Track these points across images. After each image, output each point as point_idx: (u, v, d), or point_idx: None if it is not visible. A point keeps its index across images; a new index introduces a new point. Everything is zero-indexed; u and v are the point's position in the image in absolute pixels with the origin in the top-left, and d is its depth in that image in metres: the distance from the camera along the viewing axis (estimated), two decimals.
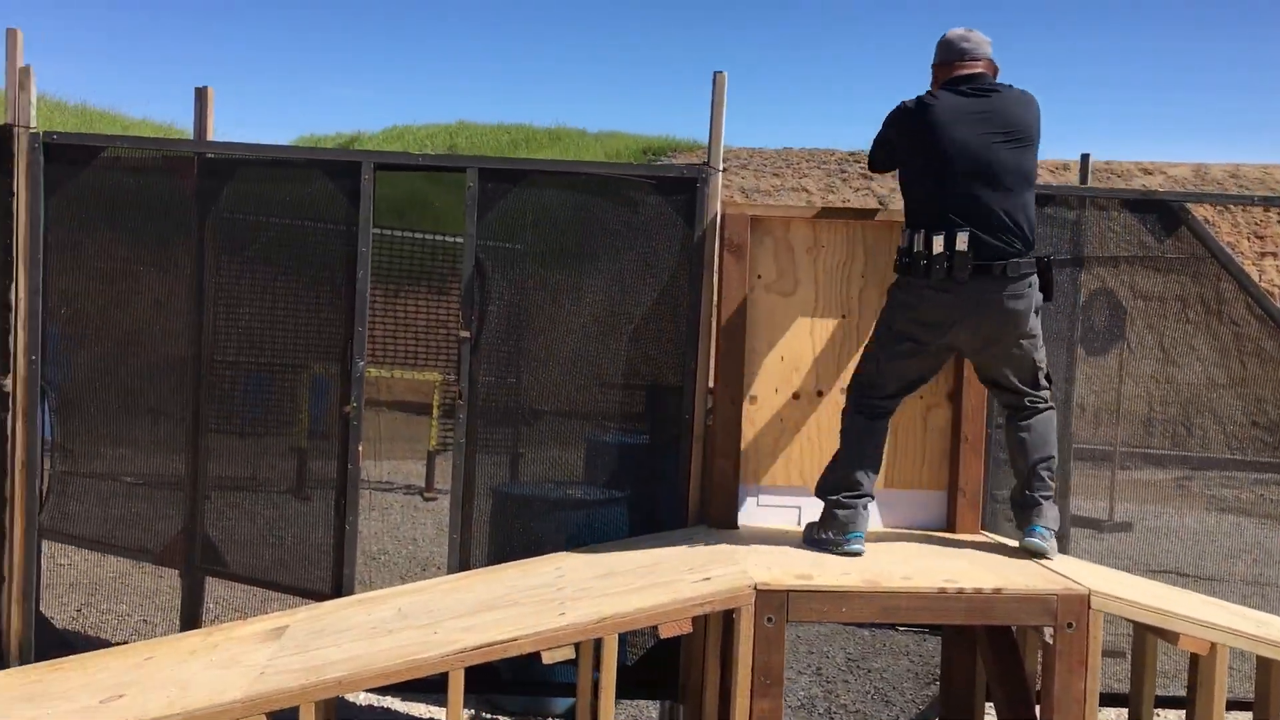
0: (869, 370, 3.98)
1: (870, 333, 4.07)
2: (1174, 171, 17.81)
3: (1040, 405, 3.93)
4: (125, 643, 5.00)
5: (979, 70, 3.90)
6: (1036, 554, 3.79)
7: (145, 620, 5.45)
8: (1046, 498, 3.88)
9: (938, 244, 3.71)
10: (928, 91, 3.96)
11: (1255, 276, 16.09)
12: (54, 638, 4.56)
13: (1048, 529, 3.83)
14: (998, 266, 3.73)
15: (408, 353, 9.17)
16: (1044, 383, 3.95)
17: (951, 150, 3.77)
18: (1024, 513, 3.91)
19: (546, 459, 4.56)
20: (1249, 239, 16.63)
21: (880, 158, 4.15)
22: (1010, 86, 3.92)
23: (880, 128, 4.04)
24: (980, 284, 3.73)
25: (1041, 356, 3.93)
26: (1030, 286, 3.80)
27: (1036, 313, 3.85)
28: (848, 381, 4.12)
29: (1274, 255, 16.49)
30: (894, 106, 3.96)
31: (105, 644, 5.08)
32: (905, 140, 3.93)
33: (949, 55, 3.95)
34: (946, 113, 3.81)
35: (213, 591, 5.17)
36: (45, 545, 4.55)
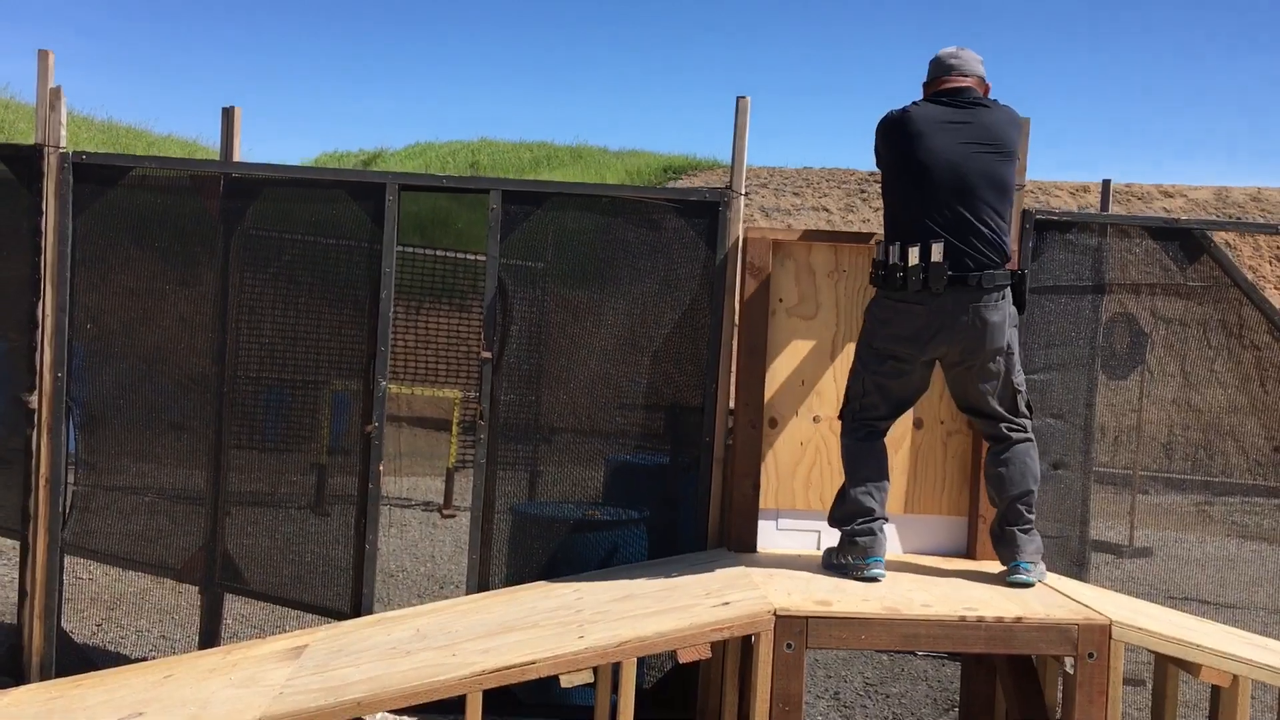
0: (857, 391, 3.97)
1: (855, 353, 4.05)
2: (1195, 194, 17.75)
3: (1017, 435, 3.89)
4: (145, 659, 5.04)
5: (966, 85, 3.91)
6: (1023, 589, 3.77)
7: (164, 636, 5.48)
8: (1025, 531, 3.85)
9: (913, 255, 3.72)
10: (913, 102, 3.97)
11: (1277, 301, 16.02)
12: (75, 653, 4.59)
13: (1030, 563, 3.81)
14: (973, 277, 3.72)
15: (428, 369, 9.21)
16: (1023, 410, 3.92)
17: (928, 159, 3.77)
18: (1004, 548, 3.89)
19: (567, 479, 4.57)
20: (1270, 262, 16.54)
21: (877, 160, 4.15)
22: (997, 102, 3.93)
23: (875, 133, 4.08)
24: (956, 295, 3.73)
25: (1020, 380, 3.91)
26: (1004, 299, 3.79)
27: (1014, 327, 3.84)
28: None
29: None
30: (879, 122, 3.98)
31: (125, 660, 5.12)
32: (888, 150, 3.92)
33: (938, 71, 3.97)
34: (925, 122, 3.83)
35: (231, 608, 5.20)
36: (67, 560, 4.58)
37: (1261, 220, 16.92)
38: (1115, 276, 4.70)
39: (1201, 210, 17.25)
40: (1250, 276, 15.73)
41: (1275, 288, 16.15)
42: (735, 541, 4.27)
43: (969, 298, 3.73)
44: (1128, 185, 17.70)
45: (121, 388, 4.69)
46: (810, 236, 4.39)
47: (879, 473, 3.93)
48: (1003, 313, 3.78)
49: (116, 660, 5.13)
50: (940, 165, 3.76)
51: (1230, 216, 17.08)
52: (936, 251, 3.70)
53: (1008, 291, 3.80)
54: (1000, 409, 3.87)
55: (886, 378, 3.89)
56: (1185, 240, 4.62)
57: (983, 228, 3.76)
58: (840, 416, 4.05)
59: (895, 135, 3.88)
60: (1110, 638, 3.41)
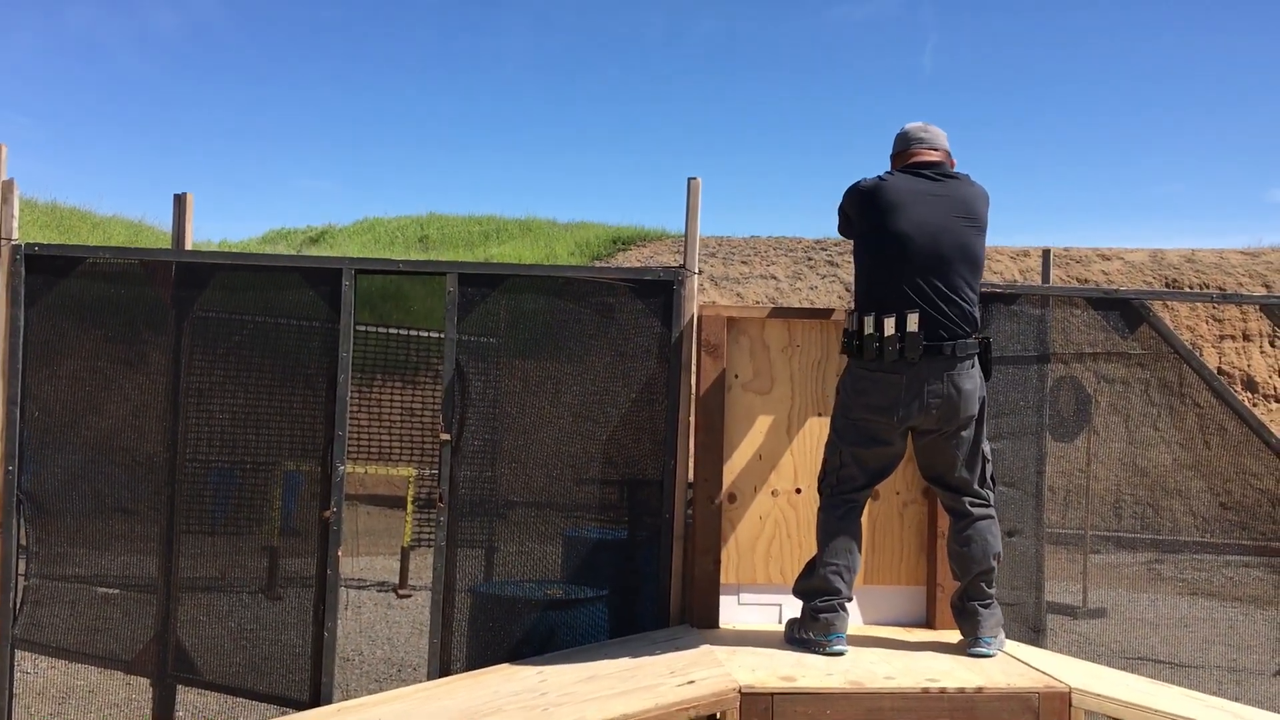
0: (834, 464, 3.97)
1: (830, 425, 4.07)
2: (1131, 257, 18.21)
3: (979, 511, 3.93)
4: None
5: (937, 159, 4.00)
6: None
7: None
8: (986, 606, 3.89)
9: (889, 325, 3.75)
10: (886, 172, 4.02)
11: (1214, 359, 16.39)
12: None
13: (991, 637, 3.86)
14: (947, 346, 3.78)
15: (380, 448, 9.15)
16: (989, 482, 3.98)
17: (909, 229, 3.82)
18: (965, 622, 3.92)
19: (527, 556, 4.56)
20: (1207, 322, 16.97)
21: (842, 226, 4.19)
22: (968, 177, 4.01)
23: (841, 203, 4.09)
24: (930, 363, 3.78)
25: (988, 450, 3.97)
26: (974, 367, 3.87)
27: (982, 395, 3.90)
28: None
29: (1232, 338, 16.82)
30: (850, 185, 4.02)
31: None
32: (861, 219, 3.95)
33: (906, 144, 4.04)
34: (904, 193, 3.88)
35: (184, 698, 5.08)
36: (16, 655, 4.47)
37: (1197, 283, 17.39)
38: (1059, 343, 4.82)
39: (1138, 272, 17.69)
40: (1188, 336, 16.11)
41: (1213, 346, 16.57)
42: (698, 618, 4.27)
43: (944, 366, 3.79)
44: (1066, 249, 18.12)
45: (73, 477, 4.62)
46: (772, 314, 4.45)
47: (851, 555, 3.92)
48: (974, 380, 3.86)
49: None
50: (918, 236, 3.81)
51: (1166, 278, 17.54)
52: (912, 321, 3.75)
53: (977, 360, 3.88)
54: (967, 479, 3.92)
55: (864, 447, 3.91)
56: (1125, 310, 4.77)
57: (957, 299, 3.83)
58: (819, 488, 4.05)
59: (870, 204, 3.91)
60: (1070, 705, 3.46)
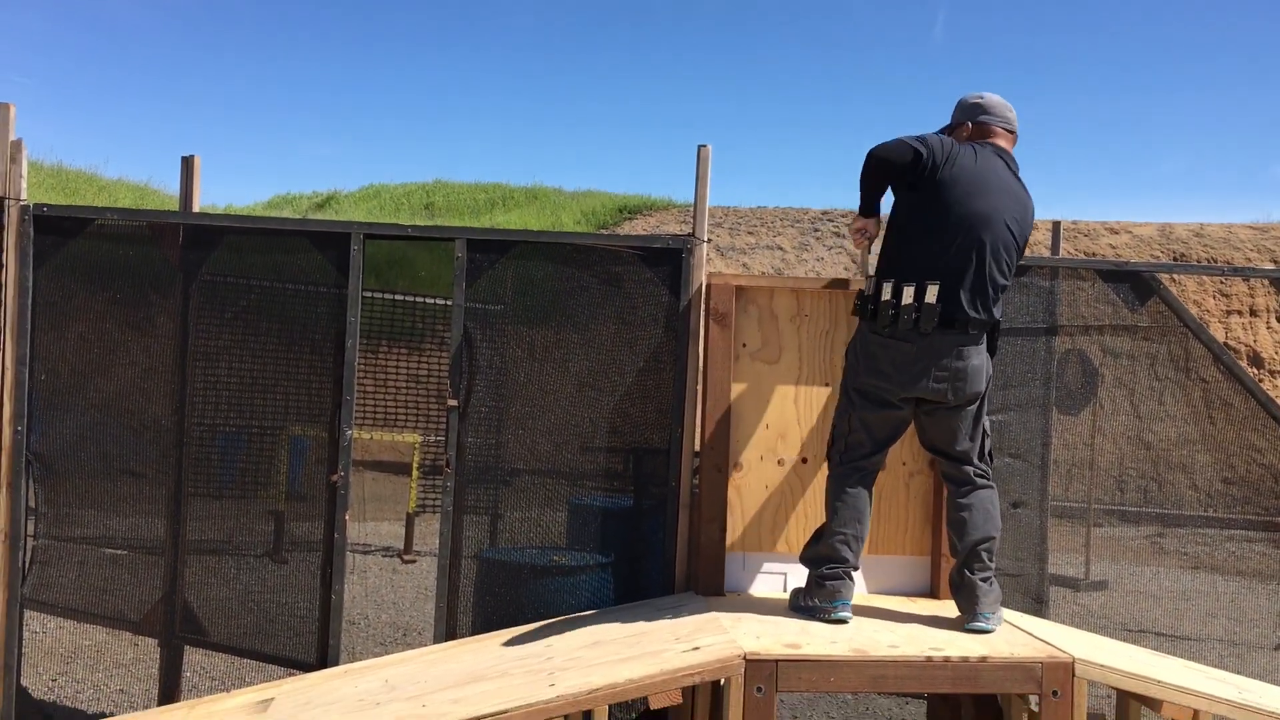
0: (843, 430, 3.96)
1: (840, 391, 4.06)
2: (1140, 231, 18.13)
3: (981, 481, 3.93)
4: (103, 714, 4.95)
5: (1011, 147, 3.93)
6: None
7: (123, 690, 5.39)
8: (986, 580, 3.84)
9: (908, 294, 3.69)
10: (975, 142, 3.84)
11: (1221, 334, 16.35)
12: (32, 708, 4.50)
13: (990, 612, 3.81)
14: (960, 322, 3.76)
15: (386, 413, 9.16)
16: (988, 456, 3.97)
17: (988, 211, 3.72)
18: (964, 598, 3.87)
19: (534, 525, 4.58)
20: (1214, 297, 16.92)
21: (903, 164, 3.70)
22: (1026, 187, 3.93)
23: (918, 135, 3.74)
24: (943, 338, 3.75)
25: (988, 425, 3.96)
26: (983, 343, 3.86)
27: (989, 374, 3.89)
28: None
29: (1239, 313, 16.77)
30: (941, 131, 3.85)
31: (83, 715, 5.03)
32: (936, 174, 3.69)
33: (990, 119, 3.90)
34: (992, 174, 3.76)
35: (190, 660, 5.12)
36: (26, 615, 4.51)
37: (1205, 257, 17.32)
38: (1067, 316, 4.81)
39: (1146, 246, 17.62)
40: (1195, 310, 16.06)
41: (1219, 321, 16.53)
42: (703, 585, 4.29)
43: (955, 341, 3.77)
44: (1074, 222, 18.05)
45: (81, 438, 4.64)
46: (776, 282, 4.44)
47: (860, 525, 3.91)
48: (983, 357, 3.85)
49: (74, 716, 5.04)
50: (979, 220, 3.72)
51: (1174, 253, 17.47)
52: (931, 293, 3.69)
53: (984, 337, 3.86)
54: (969, 449, 3.91)
55: (870, 412, 3.89)
56: (1135, 282, 4.75)
57: (989, 289, 3.78)
58: (827, 455, 4.04)
59: (957, 169, 3.69)
60: (1074, 675, 3.47)
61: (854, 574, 3.93)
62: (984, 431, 3.94)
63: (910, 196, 3.81)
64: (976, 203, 3.72)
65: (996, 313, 3.87)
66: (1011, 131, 3.94)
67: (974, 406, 3.89)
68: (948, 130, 4.01)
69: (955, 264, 3.74)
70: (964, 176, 3.72)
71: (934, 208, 3.73)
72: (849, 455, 3.94)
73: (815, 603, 3.90)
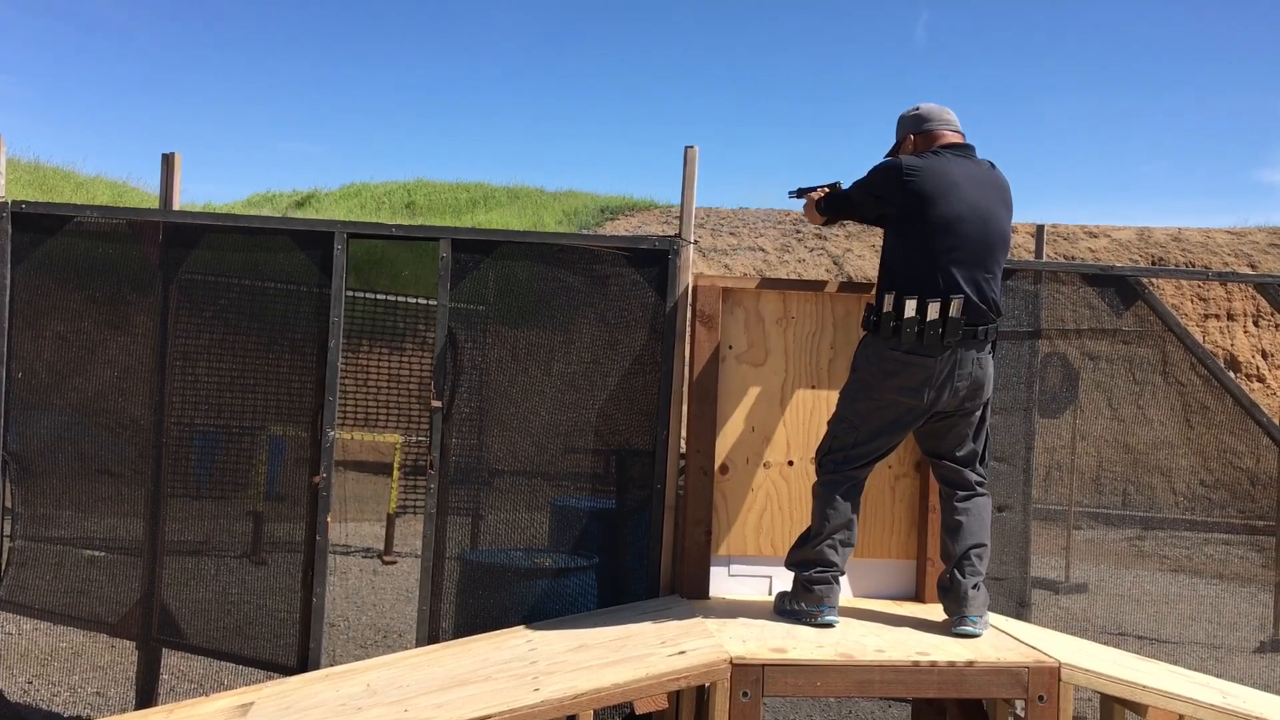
0: (846, 440, 3.89)
1: (842, 402, 3.99)
2: (1119, 235, 18.23)
3: (980, 488, 3.94)
4: (80, 718, 4.89)
5: (966, 141, 3.92)
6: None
7: (99, 694, 5.33)
8: (975, 585, 3.83)
9: (932, 310, 3.67)
10: (930, 151, 3.87)
11: (1199, 337, 16.47)
12: (7, 711, 4.44)
13: (978, 616, 3.80)
14: (981, 331, 3.76)
15: (368, 414, 9.10)
16: (988, 461, 3.97)
17: (965, 211, 3.72)
18: (952, 600, 3.85)
19: (517, 527, 4.55)
20: (1192, 301, 17.04)
21: (844, 210, 4.07)
22: (993, 164, 3.93)
23: (863, 183, 3.92)
24: (966, 348, 3.75)
25: (988, 431, 3.97)
26: (994, 350, 3.87)
27: (995, 376, 3.91)
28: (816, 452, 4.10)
29: (1216, 317, 16.89)
30: (883, 164, 3.87)
31: (58, 718, 4.96)
32: (908, 200, 3.76)
33: (933, 124, 3.92)
34: (956, 174, 3.77)
35: (168, 663, 5.06)
36: (1, 617, 4.45)
37: (1183, 261, 17.43)
38: (1049, 320, 4.82)
39: (1125, 250, 17.72)
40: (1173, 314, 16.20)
41: (1197, 325, 16.63)
42: (688, 588, 4.27)
43: (976, 350, 3.77)
44: (1054, 226, 18.13)
45: (58, 438, 4.58)
46: (765, 284, 4.41)
47: (850, 531, 3.88)
48: (993, 363, 3.87)
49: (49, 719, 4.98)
50: (972, 220, 3.72)
51: (1152, 256, 17.58)
52: (955, 307, 3.67)
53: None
54: (974, 451, 3.92)
55: (885, 423, 3.84)
56: (1120, 286, 4.76)
57: (995, 284, 3.80)
58: (820, 461, 3.99)
59: (919, 183, 3.73)
60: (1059, 680, 3.47)
61: (841, 579, 3.91)
62: (987, 435, 3.95)
63: (898, 219, 3.82)
64: (959, 205, 3.72)
65: (1002, 303, 3.87)
66: (958, 130, 3.94)
67: (983, 414, 3.91)
68: (894, 150, 4.03)
69: (964, 269, 3.73)
70: (941, 184, 3.73)
71: (917, 221, 3.74)
72: (846, 465, 3.90)
73: (801, 606, 3.89)
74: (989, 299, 3.79)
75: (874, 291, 4.01)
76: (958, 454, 3.92)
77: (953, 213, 3.71)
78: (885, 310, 3.75)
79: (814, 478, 4.03)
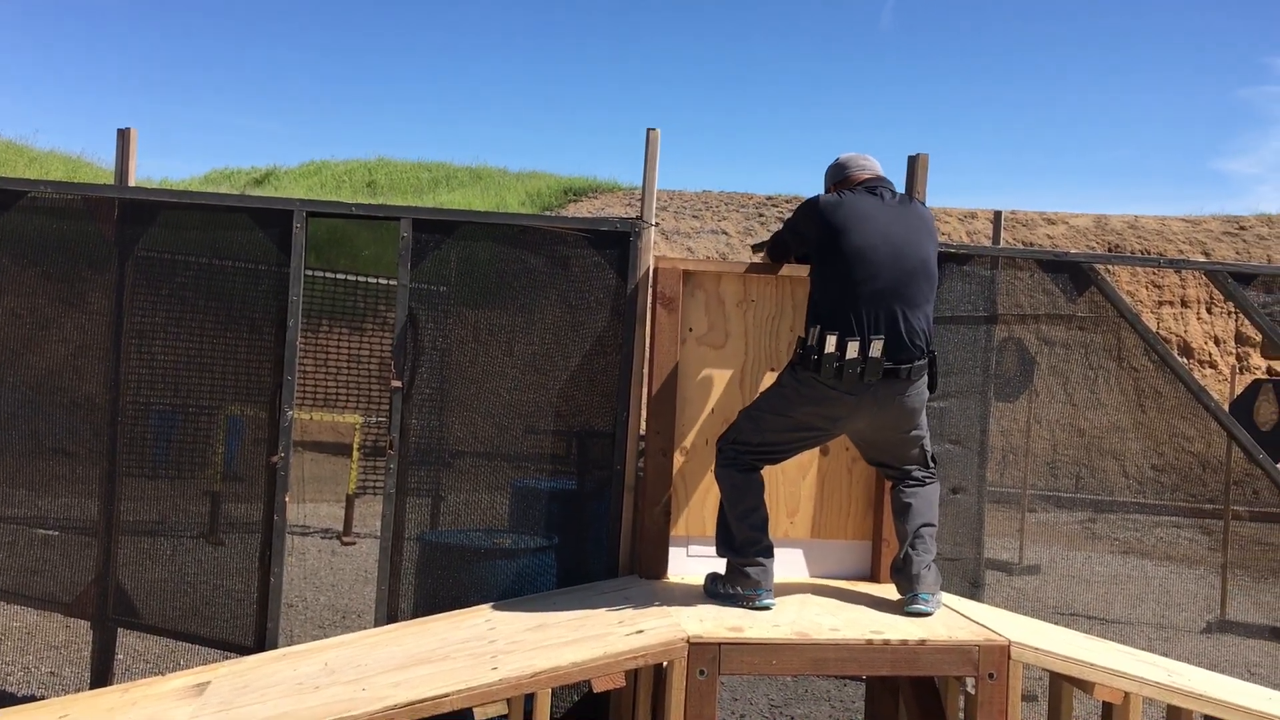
0: (750, 439, 3.94)
1: (760, 400, 4.03)
2: (1076, 222, 18.44)
3: (926, 479, 4.02)
4: (33, 697, 4.85)
5: (883, 178, 3.99)
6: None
7: (54, 673, 5.29)
8: (926, 565, 3.90)
9: (852, 349, 3.70)
10: (844, 190, 3.96)
11: (1153, 324, 16.72)
12: None
13: (930, 594, 3.86)
14: (904, 370, 3.77)
15: (327, 394, 9.05)
16: (930, 463, 4.04)
17: (878, 242, 3.75)
18: (905, 579, 3.92)
19: (477, 508, 4.55)
20: (1147, 287, 17.29)
21: (781, 253, 4.23)
22: (915, 199, 4.04)
23: (789, 222, 4.06)
24: (888, 386, 3.77)
25: (928, 442, 4.03)
26: (924, 383, 3.89)
27: (925, 403, 3.94)
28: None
29: (1170, 304, 17.15)
30: (805, 202, 3.96)
31: (12, 698, 4.92)
32: (822, 234, 3.83)
33: (849, 169, 4.03)
34: (868, 207, 3.83)
35: (123, 642, 5.03)
36: None
37: (1139, 248, 17.67)
38: (1005, 305, 4.88)
39: (1082, 237, 17.93)
40: (1128, 300, 16.42)
41: (1151, 311, 16.89)
42: (646, 569, 4.30)
43: (898, 389, 3.79)
44: (1013, 212, 18.32)
45: (11, 416, 4.53)
46: (723, 267, 4.44)
47: (761, 503, 3.95)
48: (922, 397, 3.89)
49: (3, 699, 4.93)
50: (885, 250, 3.75)
51: (1109, 243, 17.80)
52: (876, 348, 3.70)
53: (925, 374, 3.87)
54: (908, 466, 4.01)
55: (796, 437, 3.93)
56: (1074, 273, 4.83)
57: (920, 316, 3.80)
58: (719, 445, 4.03)
59: (833, 218, 3.81)
60: (1009, 658, 3.53)
61: (771, 557, 3.94)
62: (924, 448, 4.01)
63: (818, 254, 3.90)
64: (871, 236, 3.77)
65: (931, 338, 3.88)
66: (875, 173, 4.02)
67: (911, 438, 3.96)
68: (834, 187, 4.09)
69: (881, 302, 3.74)
70: (852, 217, 3.80)
71: (834, 255, 3.80)
72: (742, 458, 3.95)
73: (738, 590, 3.90)
74: (915, 331, 3.78)
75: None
76: (898, 466, 4.02)
77: (866, 243, 3.76)
78: (809, 344, 3.79)
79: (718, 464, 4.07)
